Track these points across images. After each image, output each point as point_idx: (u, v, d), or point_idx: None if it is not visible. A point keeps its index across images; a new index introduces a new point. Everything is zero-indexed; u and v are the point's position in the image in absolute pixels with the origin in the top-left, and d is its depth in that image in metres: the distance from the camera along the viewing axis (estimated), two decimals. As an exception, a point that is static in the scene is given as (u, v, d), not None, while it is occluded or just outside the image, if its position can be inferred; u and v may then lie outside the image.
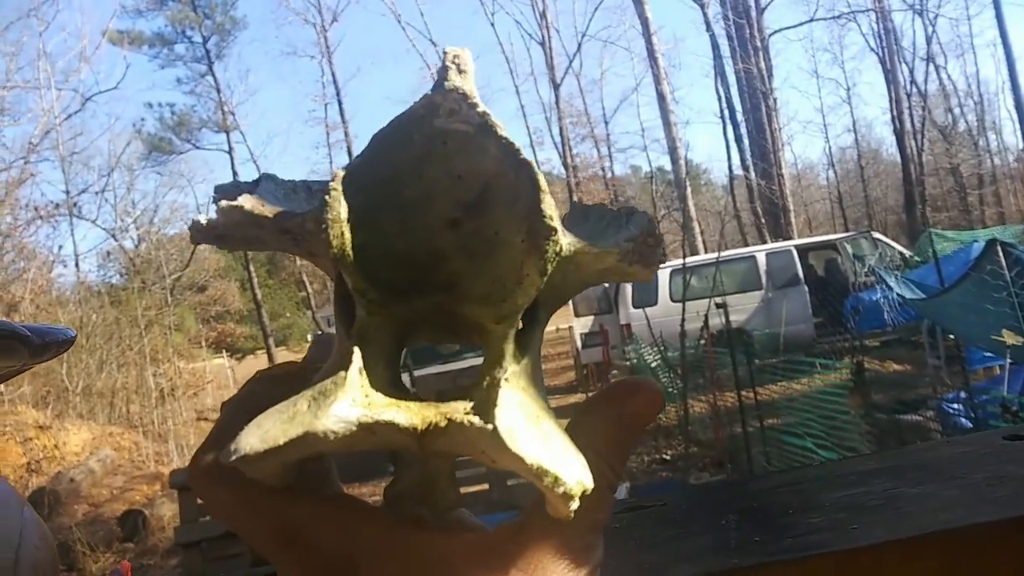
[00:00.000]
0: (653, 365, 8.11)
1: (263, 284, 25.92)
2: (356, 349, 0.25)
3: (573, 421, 0.28)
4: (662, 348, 8.07)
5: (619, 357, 10.28)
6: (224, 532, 4.75)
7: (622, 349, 10.02)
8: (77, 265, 20.80)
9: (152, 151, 25.15)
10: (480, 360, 0.26)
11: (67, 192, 21.05)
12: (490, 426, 0.23)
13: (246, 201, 0.27)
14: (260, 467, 0.23)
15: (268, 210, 0.26)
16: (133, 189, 23.72)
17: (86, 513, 8.07)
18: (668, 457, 6.76)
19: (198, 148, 25.89)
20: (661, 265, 0.28)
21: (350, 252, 0.25)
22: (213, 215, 0.27)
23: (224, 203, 0.26)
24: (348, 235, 0.25)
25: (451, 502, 0.28)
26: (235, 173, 24.61)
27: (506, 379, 0.25)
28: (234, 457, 0.23)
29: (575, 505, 0.23)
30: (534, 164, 0.25)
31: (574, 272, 0.27)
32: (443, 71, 0.26)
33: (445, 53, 0.26)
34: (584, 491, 0.23)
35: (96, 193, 22.16)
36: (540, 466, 0.23)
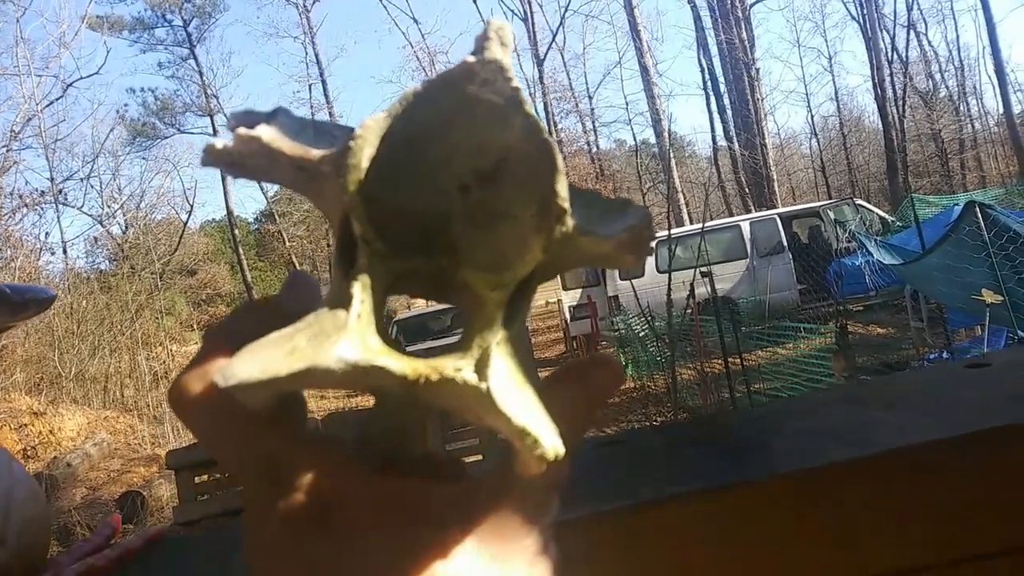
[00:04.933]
0: (641, 335, 8.16)
1: (253, 266, 25.69)
2: (358, 293, 0.25)
3: (540, 392, 0.29)
4: (649, 318, 8.11)
5: (607, 328, 10.33)
6: (222, 511, 4.77)
7: (610, 320, 10.06)
8: (65, 252, 20.41)
9: (136, 136, 24.69)
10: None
11: (52, 179, 20.63)
12: (484, 385, 0.24)
13: (264, 132, 0.26)
14: (255, 394, 0.23)
15: (286, 145, 0.27)
16: (118, 175, 23.25)
17: (84, 496, 8.07)
18: (658, 424, 6.83)
19: (182, 132, 25.49)
20: (649, 255, 0.29)
21: (361, 200, 0.26)
22: (228, 141, 0.27)
23: (243, 131, 0.26)
24: (363, 183, 0.26)
25: (420, 449, 0.29)
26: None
27: (497, 344, 0.26)
28: (232, 382, 0.23)
29: (545, 466, 0.25)
30: (555, 145, 0.26)
31: (570, 252, 0.27)
32: (484, 40, 0.25)
33: (488, 23, 0.26)
34: (557, 456, 0.25)
35: (81, 180, 21.75)
36: (524, 428, 0.24)
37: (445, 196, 0.27)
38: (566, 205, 0.25)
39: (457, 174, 0.27)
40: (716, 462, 0.48)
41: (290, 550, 0.26)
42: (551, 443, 0.24)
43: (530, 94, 24.21)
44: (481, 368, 0.25)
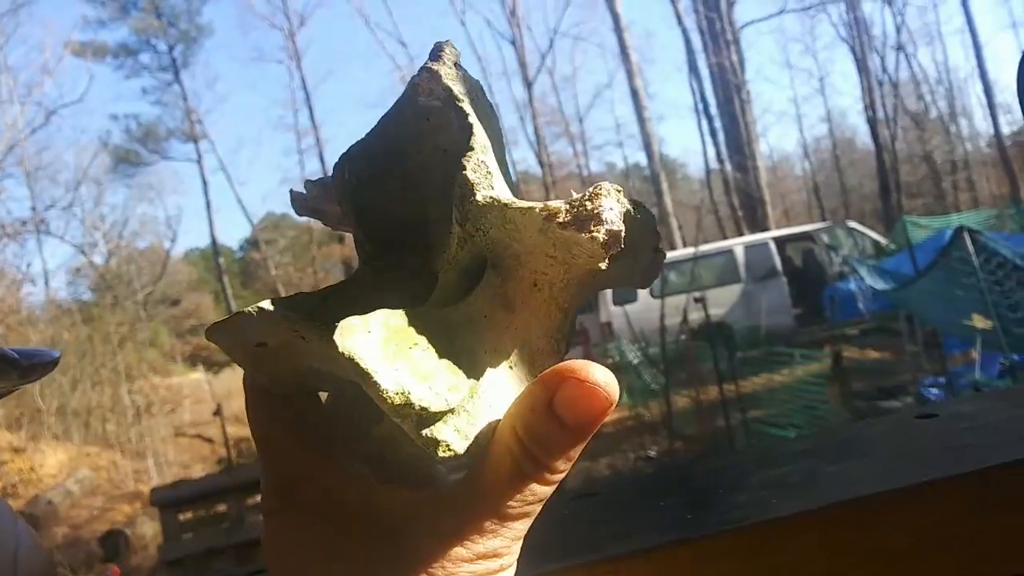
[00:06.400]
0: (635, 362, 8.18)
1: (237, 295, 25.45)
2: (332, 284, 0.30)
3: (509, 407, 0.26)
4: (643, 344, 8.14)
5: (601, 355, 10.35)
6: (208, 548, 4.68)
7: (604, 347, 10.09)
8: (47, 283, 20.26)
9: (119, 163, 24.41)
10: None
11: (34, 208, 20.43)
12: (336, 324, 0.24)
13: (324, 181, 0.32)
14: (217, 339, 0.28)
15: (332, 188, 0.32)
16: (101, 203, 22.92)
17: (66, 535, 7.95)
18: (653, 454, 6.81)
19: (166, 159, 25.34)
20: (613, 245, 0.25)
21: (353, 210, 0.30)
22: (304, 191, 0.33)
23: (308, 180, 0.32)
24: (353, 195, 0.30)
25: (407, 455, 0.31)
26: (205, 182, 24.14)
27: (406, 310, 0.26)
28: (205, 331, 0.28)
29: (405, 418, 0.23)
30: (474, 127, 0.27)
31: (515, 232, 0.26)
32: (426, 60, 0.29)
33: (433, 45, 0.30)
34: (407, 403, 0.23)
35: (63, 208, 21.52)
36: (352, 357, 0.22)
37: (427, 202, 0.31)
38: (470, 175, 0.26)
39: (436, 181, 0.30)
40: (683, 515, 0.52)
41: (265, 522, 0.31)
42: (399, 386, 0.23)
43: (520, 118, 24.51)
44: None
